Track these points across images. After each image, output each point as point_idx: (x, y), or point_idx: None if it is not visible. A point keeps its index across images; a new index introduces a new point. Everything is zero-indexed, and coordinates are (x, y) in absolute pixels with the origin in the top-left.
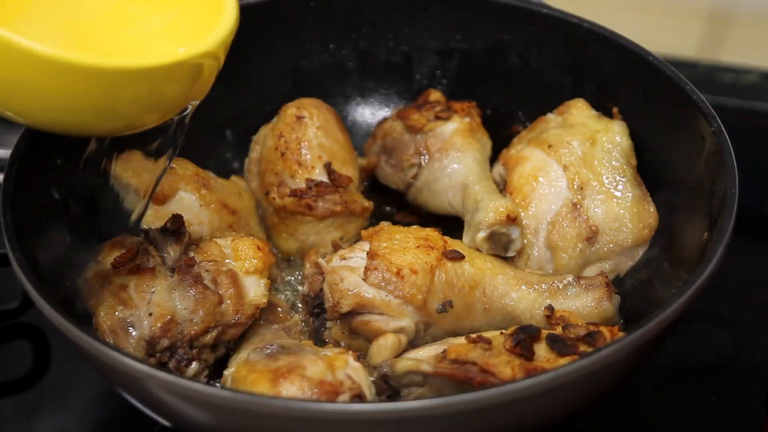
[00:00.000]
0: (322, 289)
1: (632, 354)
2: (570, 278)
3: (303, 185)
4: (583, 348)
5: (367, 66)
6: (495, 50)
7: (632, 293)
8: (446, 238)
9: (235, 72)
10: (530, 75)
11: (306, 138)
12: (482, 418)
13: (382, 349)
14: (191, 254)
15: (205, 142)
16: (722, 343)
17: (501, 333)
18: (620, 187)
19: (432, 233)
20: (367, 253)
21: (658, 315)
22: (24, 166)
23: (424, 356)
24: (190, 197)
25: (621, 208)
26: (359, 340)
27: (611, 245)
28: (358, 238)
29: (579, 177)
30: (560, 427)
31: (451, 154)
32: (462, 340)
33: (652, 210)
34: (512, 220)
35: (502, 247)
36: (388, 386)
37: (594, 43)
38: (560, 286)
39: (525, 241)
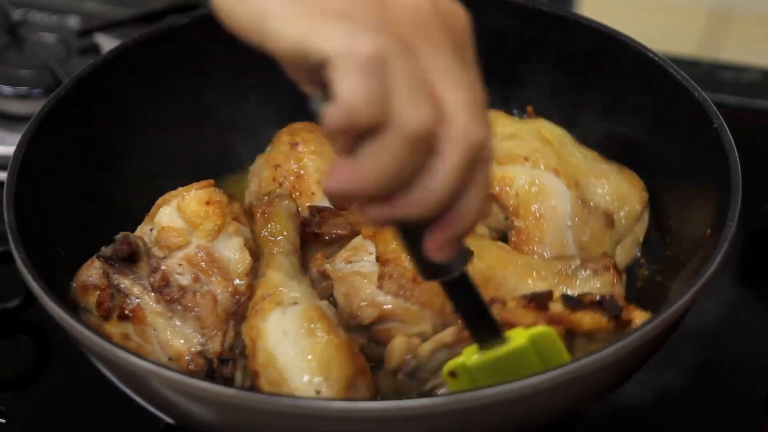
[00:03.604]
0: (332, 296)
1: (636, 351)
2: (577, 262)
3: (306, 213)
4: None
5: None
6: (492, 47)
7: (632, 293)
8: None
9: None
10: (530, 74)
11: (302, 165)
12: (491, 414)
13: (397, 351)
14: (157, 261)
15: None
16: (722, 343)
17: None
18: (596, 164)
19: None
20: (377, 258)
21: (659, 314)
22: (27, 163)
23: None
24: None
25: (614, 183)
26: (379, 347)
27: (626, 219)
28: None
29: (568, 173)
30: (561, 427)
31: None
32: None
33: (632, 172)
34: None
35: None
36: (416, 384)
37: (594, 41)
38: (569, 272)
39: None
